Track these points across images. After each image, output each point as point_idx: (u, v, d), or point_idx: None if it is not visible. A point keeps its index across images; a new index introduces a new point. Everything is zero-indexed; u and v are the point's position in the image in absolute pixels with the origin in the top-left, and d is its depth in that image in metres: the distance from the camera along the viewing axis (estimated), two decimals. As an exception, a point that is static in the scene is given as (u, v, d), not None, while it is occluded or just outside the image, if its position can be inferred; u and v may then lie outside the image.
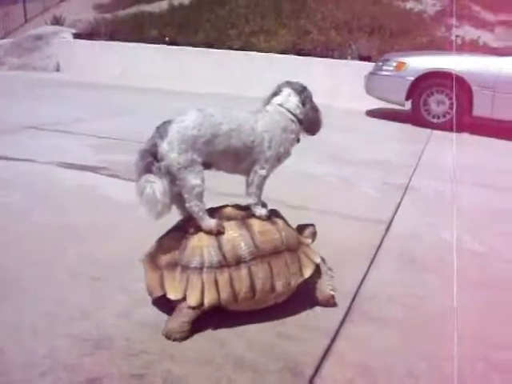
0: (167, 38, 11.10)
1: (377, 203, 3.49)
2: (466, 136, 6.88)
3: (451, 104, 7.17)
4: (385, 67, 7.68)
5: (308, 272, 1.93)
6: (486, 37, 13.41)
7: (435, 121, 7.30)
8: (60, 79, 10.12)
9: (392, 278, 2.35)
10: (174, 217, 1.91)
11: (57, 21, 12.88)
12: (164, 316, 1.83)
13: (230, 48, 10.47)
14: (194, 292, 1.72)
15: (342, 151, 5.06)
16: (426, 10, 14.30)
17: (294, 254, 1.93)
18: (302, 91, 2.04)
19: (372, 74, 8.00)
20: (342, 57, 10.14)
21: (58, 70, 11.74)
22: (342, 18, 11.42)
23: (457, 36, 12.87)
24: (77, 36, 12.02)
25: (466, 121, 7.20)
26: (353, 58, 10.11)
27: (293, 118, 1.99)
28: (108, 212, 2.88)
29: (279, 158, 1.97)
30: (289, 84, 2.06)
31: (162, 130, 1.76)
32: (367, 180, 4.04)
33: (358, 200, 3.52)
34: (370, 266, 2.44)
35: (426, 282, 2.35)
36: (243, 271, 1.78)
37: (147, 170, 1.73)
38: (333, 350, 1.75)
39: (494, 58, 7.28)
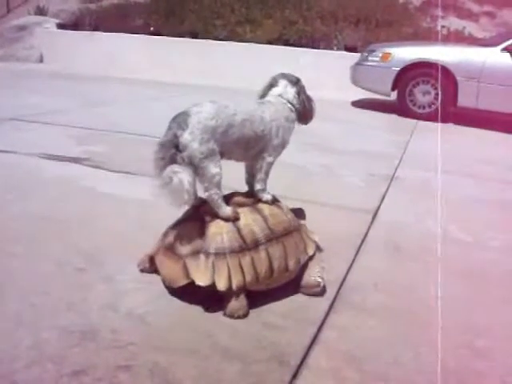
0: (152, 28, 11.02)
1: (363, 193, 3.51)
2: (451, 126, 6.93)
3: (436, 94, 7.21)
4: (370, 58, 7.70)
5: (311, 250, 2.06)
6: (471, 27, 13.47)
7: (421, 111, 7.34)
8: (43, 70, 10.00)
9: (378, 267, 2.36)
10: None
11: (40, 11, 12.71)
12: (149, 307, 1.82)
13: (216, 38, 10.42)
14: (221, 277, 1.78)
15: (327, 141, 5.07)
16: (411, 0, 14.33)
17: (299, 233, 2.05)
18: (297, 82, 2.15)
19: (358, 64, 8.02)
20: (327, 47, 10.15)
21: (41, 60, 11.61)
22: (328, 8, 11.42)
23: (442, 27, 12.91)
24: (61, 26, 11.89)
25: (451, 111, 7.25)
26: (339, 49, 10.12)
27: (292, 107, 2.10)
28: (91, 203, 2.86)
29: (283, 146, 2.08)
30: (284, 76, 2.16)
31: (181, 121, 1.79)
32: (353, 170, 4.05)
33: (343, 190, 3.53)
34: (356, 255, 2.44)
35: (411, 271, 2.37)
36: (262, 253, 1.88)
37: (171, 161, 1.77)
38: (319, 339, 1.75)
39: (479, 49, 7.32)
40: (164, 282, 1.93)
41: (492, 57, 6.98)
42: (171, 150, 1.77)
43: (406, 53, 7.49)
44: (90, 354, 1.56)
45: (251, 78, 9.07)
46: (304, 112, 2.15)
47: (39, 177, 3.23)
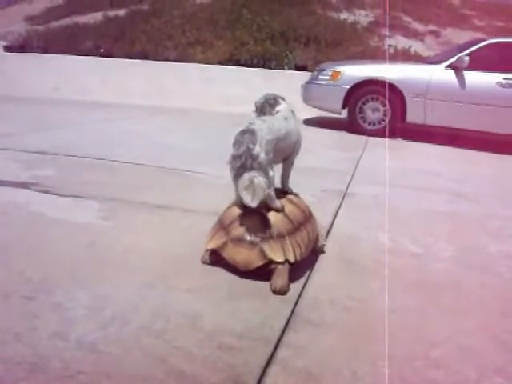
0: (102, 50, 10.92)
1: (316, 209, 3.49)
2: (400, 142, 7.09)
3: (386, 111, 7.38)
4: (321, 76, 7.83)
5: (317, 224, 2.62)
6: (416, 46, 13.94)
7: (371, 128, 7.50)
8: (-11, 94, 9.73)
9: (333, 282, 2.37)
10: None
11: (-15, 33, 12.43)
12: (100, 334, 1.77)
13: (167, 59, 10.40)
14: (290, 253, 2.24)
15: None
16: (359, 20, 14.74)
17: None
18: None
19: (308, 83, 8.14)
20: (278, 67, 10.27)
21: (-13, 84, 11.31)
22: (278, 29, 11.59)
23: (389, 45, 13.30)
24: (8, 49, 11.65)
25: (400, 127, 7.43)
26: (289, 68, 10.26)
27: None
28: (39, 228, 2.76)
29: (300, 149, 2.64)
30: (275, 95, 2.57)
31: (250, 137, 2.20)
32: (305, 186, 4.05)
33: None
34: (311, 271, 2.45)
35: (366, 285, 2.38)
36: (303, 231, 2.38)
37: (250, 168, 2.17)
38: (276, 358, 1.73)
39: (425, 66, 7.57)
40: (238, 266, 2.28)
41: (437, 74, 7.22)
42: (248, 160, 2.16)
43: (356, 71, 7.65)
44: (40, 385, 1.50)
45: (202, 98, 9.11)
46: None
47: (-16, 203, 3.11)
